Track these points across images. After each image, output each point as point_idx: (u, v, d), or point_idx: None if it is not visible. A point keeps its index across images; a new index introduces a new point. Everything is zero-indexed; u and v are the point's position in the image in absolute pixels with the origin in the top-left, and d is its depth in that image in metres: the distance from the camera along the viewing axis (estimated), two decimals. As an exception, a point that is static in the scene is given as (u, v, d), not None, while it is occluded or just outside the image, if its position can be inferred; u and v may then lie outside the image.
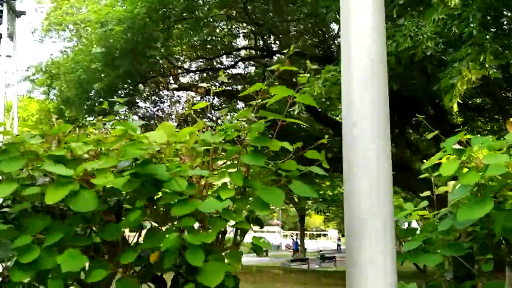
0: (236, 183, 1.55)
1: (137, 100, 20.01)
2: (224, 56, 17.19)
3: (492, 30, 5.41)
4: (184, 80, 20.17)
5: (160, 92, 20.32)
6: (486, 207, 1.60)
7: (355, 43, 1.56)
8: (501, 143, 1.77)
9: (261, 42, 15.38)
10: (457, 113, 15.01)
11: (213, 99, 20.01)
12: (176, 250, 1.42)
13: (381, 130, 1.51)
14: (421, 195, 2.60)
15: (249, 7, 13.89)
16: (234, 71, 18.78)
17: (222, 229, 1.59)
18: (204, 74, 19.59)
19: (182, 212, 1.40)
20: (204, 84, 19.14)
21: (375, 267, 1.44)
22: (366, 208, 1.46)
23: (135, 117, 20.57)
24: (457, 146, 1.73)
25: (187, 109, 21.68)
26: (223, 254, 1.55)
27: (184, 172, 1.47)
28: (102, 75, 14.17)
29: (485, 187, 1.70)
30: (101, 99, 15.07)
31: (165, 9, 13.10)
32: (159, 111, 21.03)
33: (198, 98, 20.51)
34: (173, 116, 21.34)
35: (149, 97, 20.38)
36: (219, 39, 15.25)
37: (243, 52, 17.30)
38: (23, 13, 12.95)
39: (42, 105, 17.40)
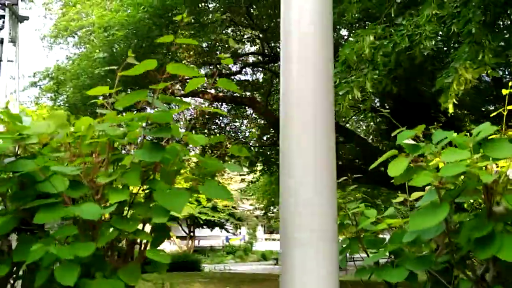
0: (132, 184, 1.29)
1: (145, 106, 19.95)
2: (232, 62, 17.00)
3: (492, 28, 5.11)
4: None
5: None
6: (440, 214, 1.31)
7: (295, 29, 1.39)
8: (467, 138, 1.48)
9: (266, 48, 15.19)
10: (471, 119, 14.60)
11: (221, 105, 19.91)
12: (49, 265, 1.16)
13: (320, 126, 1.29)
14: (394, 201, 2.32)
15: (253, 12, 13.73)
16: (242, 77, 18.68)
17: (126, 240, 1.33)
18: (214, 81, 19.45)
19: (45, 219, 1.14)
20: (212, 90, 19.06)
21: (313, 276, 1.21)
22: (302, 211, 1.22)
23: (143, 124, 20.53)
24: (410, 141, 1.44)
25: (194, 115, 21.63)
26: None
27: (58, 167, 1.21)
28: (108, 80, 14.08)
29: (442, 190, 1.41)
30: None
31: (169, 15, 13.00)
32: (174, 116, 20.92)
33: (206, 104, 20.44)
34: (181, 123, 21.26)
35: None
36: (224, 44, 15.08)
37: (250, 58, 17.13)
38: (26, 18, 12.92)
39: (49, 111, 17.39)
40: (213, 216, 32.58)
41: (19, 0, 12.54)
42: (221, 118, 20.46)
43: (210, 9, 12.95)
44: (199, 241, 36.71)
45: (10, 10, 11.68)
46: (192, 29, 14.11)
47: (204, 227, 34.46)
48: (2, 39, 11.66)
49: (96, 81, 13.92)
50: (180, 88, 19.02)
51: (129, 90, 15.81)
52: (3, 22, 11.44)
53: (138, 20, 12.63)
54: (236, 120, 21.85)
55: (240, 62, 17.64)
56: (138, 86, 15.88)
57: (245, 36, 15.34)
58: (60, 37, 16.43)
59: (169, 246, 34.90)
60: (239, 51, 16.69)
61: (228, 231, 35.46)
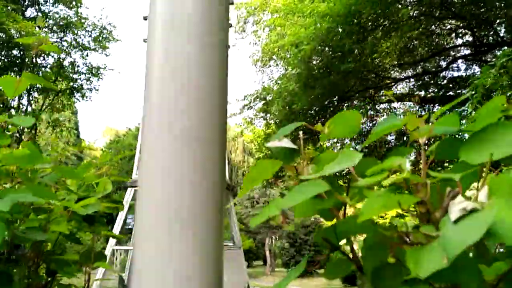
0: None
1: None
2: (435, 58, 15.71)
3: None
4: (398, 90, 19.24)
5: (376, 106, 19.76)
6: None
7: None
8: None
9: (475, 38, 13.56)
10: None
11: (433, 107, 18.50)
12: None
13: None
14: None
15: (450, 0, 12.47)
16: (455, 74, 17.08)
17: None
18: (420, 82, 18.30)
19: None
20: (420, 92, 17.93)
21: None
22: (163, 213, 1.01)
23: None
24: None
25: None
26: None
27: None
28: (305, 95, 14.50)
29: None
30: (305, 120, 15.48)
31: (357, 20, 12.76)
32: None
33: (417, 107, 19.28)
34: (391, 130, 20.48)
35: (365, 112, 19.99)
36: (424, 41, 14.04)
37: (455, 52, 15.52)
38: (228, 47, 14.29)
39: (261, 132, 18.81)
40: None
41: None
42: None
43: (399, 7, 12.21)
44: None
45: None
46: (384, 30, 13.54)
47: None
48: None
49: (295, 98, 14.49)
50: (384, 94, 18.44)
51: (328, 100, 16.03)
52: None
53: (326, 31, 12.72)
54: (452, 121, 19.86)
55: (447, 57, 16.17)
56: (337, 96, 15.97)
57: (447, 28, 13.98)
58: (265, 60, 17.71)
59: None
60: (444, 45, 15.31)
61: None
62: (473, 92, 5.78)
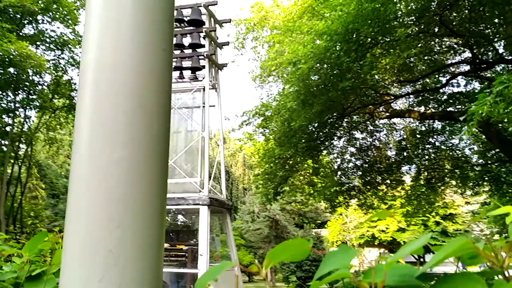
0: None
1: (354, 132, 19.84)
2: (434, 74, 15.64)
3: None
4: (398, 106, 19.16)
5: (376, 122, 19.66)
6: None
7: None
8: None
9: (469, 54, 13.50)
10: None
11: (433, 122, 18.38)
12: None
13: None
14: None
15: (449, 18, 12.42)
16: (455, 89, 17.02)
17: None
18: (420, 97, 18.21)
19: None
20: (420, 108, 17.85)
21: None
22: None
23: (352, 149, 20.41)
24: None
25: (404, 136, 20.47)
26: None
27: None
28: (303, 112, 14.40)
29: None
30: (303, 135, 15.40)
31: (354, 38, 12.71)
32: (376, 140, 20.27)
33: (417, 123, 19.18)
34: (391, 145, 20.38)
35: (365, 128, 19.88)
36: (421, 58, 13.97)
37: (454, 68, 15.46)
38: (224, 65, 14.25)
39: (261, 147, 18.70)
40: (443, 241, 30.23)
41: (218, 49, 13.97)
42: (435, 136, 18.92)
43: (398, 25, 12.15)
44: (431, 268, 34.30)
45: (209, 61, 13.03)
46: (383, 47, 13.48)
47: (435, 252, 32.15)
48: (204, 86, 13.04)
49: (293, 114, 14.39)
50: (384, 110, 18.36)
51: (327, 116, 15.95)
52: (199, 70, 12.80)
53: (324, 50, 12.65)
54: (453, 137, 19.79)
55: (446, 73, 16.10)
56: (336, 112, 15.91)
57: (444, 46, 13.91)
58: (264, 77, 17.68)
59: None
60: (442, 62, 15.24)
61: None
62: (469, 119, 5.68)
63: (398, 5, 12.01)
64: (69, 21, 15.56)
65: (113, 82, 1.01)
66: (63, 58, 16.41)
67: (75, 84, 17.22)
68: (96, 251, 0.91)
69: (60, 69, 16.28)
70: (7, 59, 13.41)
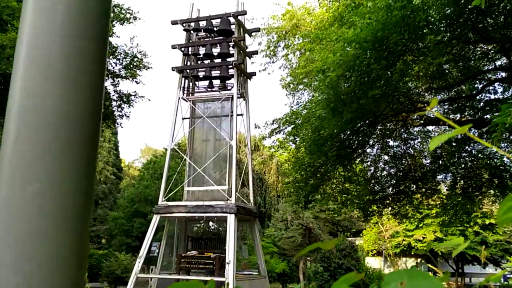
0: None
1: (387, 140, 19.52)
2: (470, 81, 15.23)
3: None
4: (432, 113, 18.72)
5: (410, 129, 19.28)
6: None
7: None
8: None
9: (505, 60, 13.08)
10: None
11: (470, 130, 17.86)
12: None
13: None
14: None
15: (484, 24, 12.08)
16: (491, 96, 16.50)
17: None
18: (455, 105, 17.76)
19: None
20: (455, 116, 17.40)
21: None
22: None
23: (386, 157, 20.07)
24: None
25: (440, 144, 19.97)
26: None
27: None
28: (333, 120, 14.28)
29: None
30: (334, 144, 15.24)
31: (385, 45, 12.53)
32: (410, 148, 19.86)
33: (452, 131, 18.68)
34: (426, 153, 19.92)
35: (399, 135, 19.53)
36: (454, 64, 13.63)
37: (490, 75, 15.01)
38: (253, 74, 14.31)
39: (292, 155, 18.65)
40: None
41: (246, 58, 14.05)
42: (472, 144, 18.37)
43: (429, 32, 11.91)
44: (470, 279, 33.24)
45: (238, 70, 13.13)
46: (414, 54, 13.23)
47: (475, 263, 31.14)
48: (232, 95, 13.13)
49: (323, 122, 14.29)
50: (418, 117, 18.00)
51: (359, 124, 15.77)
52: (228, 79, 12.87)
53: (353, 58, 12.53)
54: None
55: (482, 80, 15.63)
56: (368, 120, 15.71)
57: (477, 52, 13.53)
58: (295, 85, 17.65)
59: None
60: (477, 68, 14.81)
61: (502, 269, 30.97)
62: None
63: (429, 11, 11.77)
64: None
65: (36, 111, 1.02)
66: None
67: (109, 93, 17.70)
68: (4, 285, 0.91)
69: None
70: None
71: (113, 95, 17.97)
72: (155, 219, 13.01)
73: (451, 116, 17.03)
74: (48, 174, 0.98)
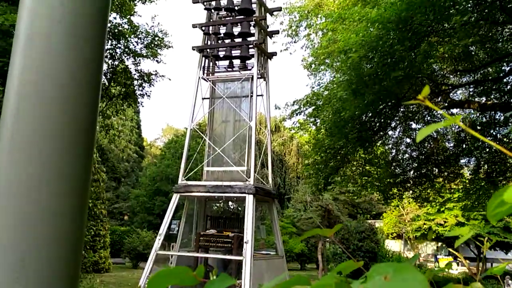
0: None
1: (410, 122, 19.25)
2: (496, 63, 14.82)
3: None
4: (457, 96, 18.36)
5: (433, 112, 18.95)
6: None
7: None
8: None
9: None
10: None
11: (495, 114, 17.47)
12: None
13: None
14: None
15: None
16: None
17: None
18: (481, 87, 17.35)
19: None
20: (481, 99, 17.01)
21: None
22: None
23: (408, 140, 19.82)
24: None
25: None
26: None
27: None
28: (355, 102, 14.12)
29: None
30: (355, 126, 15.09)
31: (410, 26, 12.26)
32: (433, 131, 19.53)
33: (477, 114, 18.31)
34: (449, 137, 19.59)
35: (422, 118, 19.22)
36: (480, 46, 13.26)
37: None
38: (274, 54, 14.16)
39: (312, 136, 18.54)
40: (505, 237, 28.82)
41: (267, 37, 13.89)
42: (497, 128, 17.98)
43: (455, 12, 11.58)
44: (491, 263, 32.93)
45: (258, 49, 13.00)
46: (439, 35, 12.92)
47: (497, 248, 30.79)
48: (253, 76, 13.04)
49: (344, 104, 14.14)
50: (442, 100, 17.67)
51: (381, 106, 15.55)
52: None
53: (376, 38, 12.31)
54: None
55: (510, 62, 15.19)
56: (394, 100, 15.48)
57: (506, 34, 13.13)
58: (316, 65, 17.44)
59: (457, 267, 32.43)
60: (505, 50, 14.39)
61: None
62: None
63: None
64: (125, 12, 16.06)
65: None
66: (119, 48, 17.00)
67: (130, 73, 17.82)
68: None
69: (116, 58, 16.89)
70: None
71: (134, 74, 18.11)
72: (175, 198, 13.16)
73: (476, 99, 16.67)
74: (47, 153, 0.98)
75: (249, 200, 12.23)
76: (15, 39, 1.09)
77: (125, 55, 16.99)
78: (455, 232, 1.39)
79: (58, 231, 0.97)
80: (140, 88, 18.05)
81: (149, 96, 18.60)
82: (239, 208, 15.25)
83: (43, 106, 1.00)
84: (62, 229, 0.98)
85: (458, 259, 32.47)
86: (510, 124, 17.48)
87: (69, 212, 0.98)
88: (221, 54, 14.14)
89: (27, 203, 0.94)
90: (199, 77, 13.85)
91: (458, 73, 16.37)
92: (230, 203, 15.60)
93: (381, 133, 17.83)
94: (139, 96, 18.25)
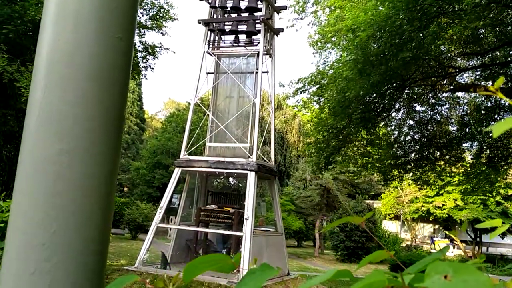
0: None
1: (414, 104, 19.13)
2: (505, 48, 14.63)
3: None
4: (463, 79, 18.19)
5: (438, 95, 18.81)
6: None
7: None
8: None
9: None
10: None
11: (501, 98, 17.33)
12: None
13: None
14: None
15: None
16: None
17: None
18: (488, 71, 17.18)
19: None
20: (487, 83, 16.86)
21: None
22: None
23: (411, 122, 19.72)
24: None
25: (468, 111, 19.45)
26: None
27: None
28: (360, 82, 13.99)
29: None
30: (359, 106, 14.99)
31: (420, 6, 12.06)
32: (437, 114, 19.43)
33: (483, 98, 18.18)
34: (453, 120, 19.49)
35: (426, 100, 19.08)
36: (490, 29, 13.07)
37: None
38: (280, 30, 13.96)
39: (315, 115, 18.43)
40: (503, 222, 29.03)
41: (274, 13, 13.66)
42: (502, 113, 17.87)
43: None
44: (487, 248, 33.25)
45: (265, 25, 12.81)
46: (449, 17, 12.72)
47: (493, 233, 31.08)
48: (258, 51, 12.88)
49: (349, 84, 14.02)
50: (448, 83, 17.52)
51: (386, 87, 15.44)
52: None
53: (385, 17, 12.12)
54: (521, 114, 18.55)
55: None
56: (396, 84, 15.35)
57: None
58: (322, 43, 17.22)
59: (453, 250, 32.75)
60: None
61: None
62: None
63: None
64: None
65: (65, 75, 0.98)
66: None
67: (135, 45, 17.57)
68: (30, 245, 0.90)
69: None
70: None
71: (139, 46, 17.86)
72: (177, 172, 13.15)
73: (482, 83, 16.52)
74: (74, 132, 0.95)
75: (251, 177, 12.22)
76: (45, 12, 1.05)
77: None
78: (487, 224, 1.35)
79: (89, 209, 0.95)
80: (144, 61, 17.89)
81: (152, 68, 18.43)
82: (240, 185, 15.26)
83: (74, 82, 0.96)
84: (92, 207, 0.96)
85: (454, 241, 32.75)
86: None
87: (99, 186, 0.96)
88: (227, 28, 13.93)
89: (59, 180, 0.91)
90: (204, 51, 13.67)
91: (466, 56, 16.18)
92: (230, 179, 15.61)
93: (384, 114, 17.74)
94: (142, 69, 18.09)
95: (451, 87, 17.31)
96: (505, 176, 20.15)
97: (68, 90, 0.95)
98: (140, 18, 16.98)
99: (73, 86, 0.95)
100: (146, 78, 19.27)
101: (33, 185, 0.92)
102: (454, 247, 33.25)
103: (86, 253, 0.93)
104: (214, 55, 13.91)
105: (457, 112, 19.27)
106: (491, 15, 12.82)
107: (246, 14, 13.66)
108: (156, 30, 17.38)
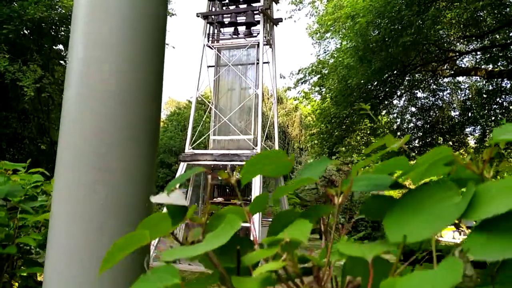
0: None
1: (415, 91, 19.11)
2: (505, 29, 14.60)
3: None
4: (463, 63, 18.14)
5: (439, 80, 18.77)
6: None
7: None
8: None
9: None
10: None
11: (501, 81, 17.30)
12: None
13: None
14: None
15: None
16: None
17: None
18: (488, 54, 17.13)
19: None
20: (488, 66, 16.82)
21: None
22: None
23: (413, 109, 19.69)
24: None
25: (470, 96, 19.40)
26: None
27: None
28: (361, 69, 13.98)
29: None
30: (361, 94, 14.98)
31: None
32: (438, 100, 19.40)
33: (484, 82, 18.14)
34: (455, 105, 19.45)
35: (427, 86, 19.04)
36: (489, 11, 13.03)
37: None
38: (280, 20, 13.94)
39: (317, 106, 18.40)
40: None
41: (273, 3, 13.63)
42: (504, 96, 17.82)
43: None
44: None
45: (264, 15, 12.78)
46: (449, 1, 12.71)
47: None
48: (258, 42, 12.86)
49: (350, 72, 14.01)
50: (448, 67, 17.48)
51: (387, 74, 15.40)
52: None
53: (384, 3, 12.11)
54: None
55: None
56: (397, 70, 15.32)
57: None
58: (321, 33, 17.18)
59: (459, 237, 32.73)
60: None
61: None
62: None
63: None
64: None
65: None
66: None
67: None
68: (83, 169, 0.90)
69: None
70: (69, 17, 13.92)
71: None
72: (182, 167, 13.13)
73: (483, 67, 16.48)
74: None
75: (256, 168, 12.15)
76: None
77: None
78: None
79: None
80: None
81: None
82: (245, 177, 15.18)
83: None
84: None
85: (461, 228, 32.72)
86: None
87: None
88: (226, 20, 13.91)
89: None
90: (204, 45, 13.65)
91: (465, 39, 16.14)
92: (235, 172, 15.55)
93: (386, 102, 17.73)
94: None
95: (452, 72, 17.29)
96: (510, 160, 20.12)
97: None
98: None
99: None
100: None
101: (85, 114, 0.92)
102: (460, 234, 33.24)
103: (135, 175, 0.93)
104: (214, 48, 13.89)
105: (459, 97, 19.24)
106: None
107: (244, 5, 13.64)
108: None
